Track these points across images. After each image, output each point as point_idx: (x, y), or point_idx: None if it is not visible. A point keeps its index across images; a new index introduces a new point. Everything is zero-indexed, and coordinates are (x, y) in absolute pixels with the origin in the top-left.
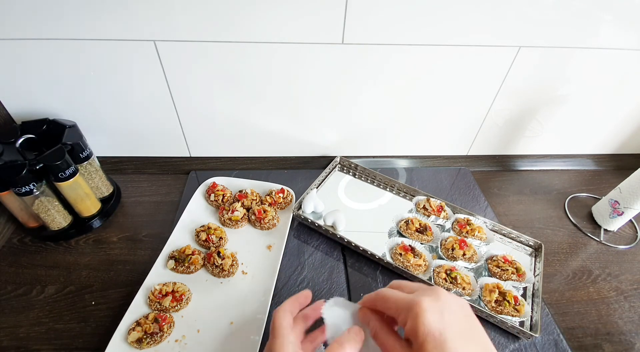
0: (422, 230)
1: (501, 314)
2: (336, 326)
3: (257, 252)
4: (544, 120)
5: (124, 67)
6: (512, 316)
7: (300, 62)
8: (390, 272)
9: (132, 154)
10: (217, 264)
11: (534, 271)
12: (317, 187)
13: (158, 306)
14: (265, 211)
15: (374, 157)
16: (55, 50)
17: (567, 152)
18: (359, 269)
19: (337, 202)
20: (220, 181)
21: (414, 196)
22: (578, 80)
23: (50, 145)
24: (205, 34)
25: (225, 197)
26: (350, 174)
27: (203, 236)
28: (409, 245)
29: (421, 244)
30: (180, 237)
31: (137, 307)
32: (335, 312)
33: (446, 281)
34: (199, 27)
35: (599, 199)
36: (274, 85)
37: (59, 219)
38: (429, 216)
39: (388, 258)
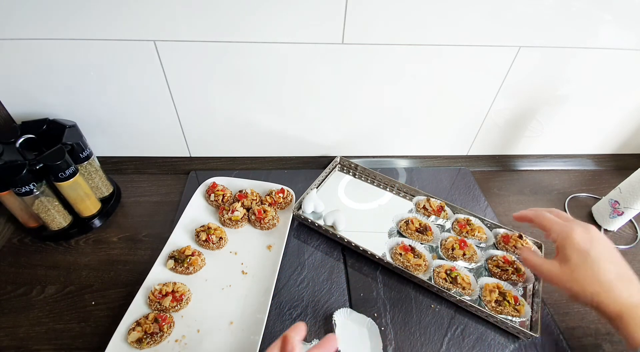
0: (422, 230)
1: (501, 314)
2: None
3: (257, 252)
4: (544, 120)
5: (124, 67)
6: (512, 316)
7: (300, 62)
8: (390, 272)
9: (132, 154)
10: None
11: None
12: (317, 187)
13: (158, 306)
14: (265, 211)
15: (374, 157)
16: (55, 50)
17: (567, 152)
18: (359, 269)
19: (337, 202)
20: (220, 180)
21: (414, 196)
22: (578, 80)
23: (50, 145)
24: (205, 34)
25: (225, 197)
26: (350, 174)
27: (203, 236)
28: (409, 245)
29: (421, 244)
30: (180, 237)
31: (137, 307)
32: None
33: (446, 281)
34: (199, 27)
35: (599, 199)
36: (274, 85)
37: (59, 219)
38: (429, 216)
39: (388, 258)
